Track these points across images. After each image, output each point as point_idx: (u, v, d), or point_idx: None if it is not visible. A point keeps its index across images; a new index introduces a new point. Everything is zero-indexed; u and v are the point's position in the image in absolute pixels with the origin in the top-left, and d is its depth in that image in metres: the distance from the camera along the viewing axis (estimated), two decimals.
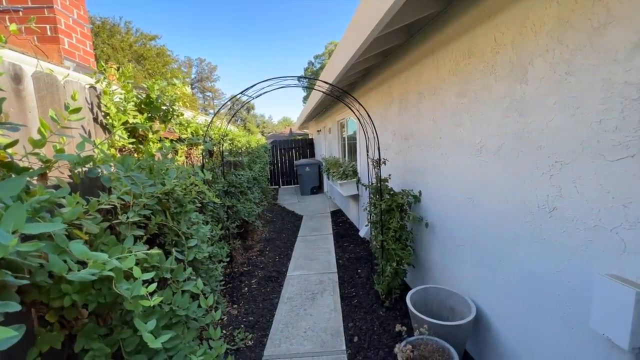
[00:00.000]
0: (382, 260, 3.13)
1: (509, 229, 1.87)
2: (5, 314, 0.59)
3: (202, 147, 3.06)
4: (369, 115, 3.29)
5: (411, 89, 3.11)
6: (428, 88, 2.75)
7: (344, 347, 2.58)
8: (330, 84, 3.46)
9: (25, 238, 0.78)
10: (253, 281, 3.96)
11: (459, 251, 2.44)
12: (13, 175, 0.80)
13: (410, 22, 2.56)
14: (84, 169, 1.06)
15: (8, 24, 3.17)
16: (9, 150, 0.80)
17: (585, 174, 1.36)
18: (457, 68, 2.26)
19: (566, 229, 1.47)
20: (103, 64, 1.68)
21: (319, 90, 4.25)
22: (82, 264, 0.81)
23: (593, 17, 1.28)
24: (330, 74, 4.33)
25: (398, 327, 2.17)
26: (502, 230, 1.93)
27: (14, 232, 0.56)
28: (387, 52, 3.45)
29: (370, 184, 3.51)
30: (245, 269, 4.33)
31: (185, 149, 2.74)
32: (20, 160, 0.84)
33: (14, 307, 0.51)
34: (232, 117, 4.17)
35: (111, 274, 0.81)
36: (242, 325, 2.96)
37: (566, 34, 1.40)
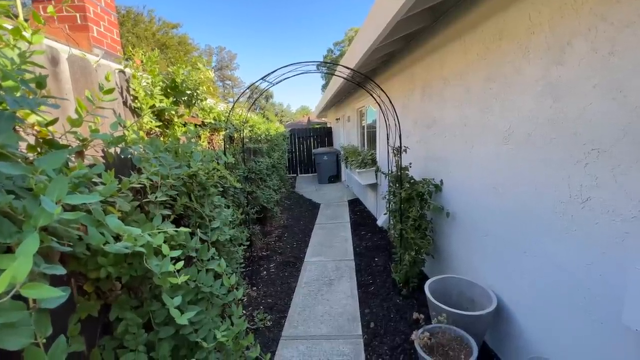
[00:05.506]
0: (400, 249, 3.12)
1: (536, 219, 1.79)
2: (50, 282, 0.63)
3: (223, 132, 3.11)
4: (390, 102, 3.21)
5: (435, 74, 3.00)
6: (453, 73, 2.64)
7: (360, 332, 2.62)
8: (351, 69, 3.39)
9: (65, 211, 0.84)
10: (271, 265, 4.06)
11: (481, 242, 2.38)
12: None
13: (435, 4, 2.44)
14: (116, 149, 1.11)
15: (42, 12, 3.30)
16: (50, 128, 0.84)
17: (626, 162, 1.27)
18: (487, 51, 2.15)
19: (600, 220, 1.40)
20: (131, 49, 1.73)
21: (340, 76, 4.18)
22: (116, 238, 0.86)
23: None
24: (351, 59, 4.24)
25: (415, 315, 2.17)
26: (528, 221, 1.86)
27: (57, 202, 0.60)
28: (410, 36, 3.33)
29: (390, 172, 3.47)
30: (264, 253, 4.44)
31: (208, 134, 2.80)
32: (60, 138, 0.89)
33: (60, 270, 0.55)
34: (253, 104, 4.20)
35: (142, 249, 0.86)
36: (261, 307, 3.06)
37: (612, 10, 1.29)
